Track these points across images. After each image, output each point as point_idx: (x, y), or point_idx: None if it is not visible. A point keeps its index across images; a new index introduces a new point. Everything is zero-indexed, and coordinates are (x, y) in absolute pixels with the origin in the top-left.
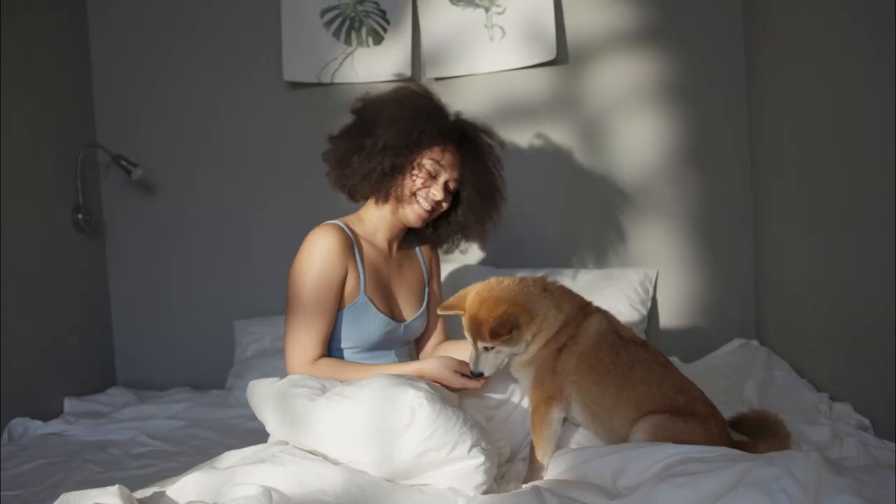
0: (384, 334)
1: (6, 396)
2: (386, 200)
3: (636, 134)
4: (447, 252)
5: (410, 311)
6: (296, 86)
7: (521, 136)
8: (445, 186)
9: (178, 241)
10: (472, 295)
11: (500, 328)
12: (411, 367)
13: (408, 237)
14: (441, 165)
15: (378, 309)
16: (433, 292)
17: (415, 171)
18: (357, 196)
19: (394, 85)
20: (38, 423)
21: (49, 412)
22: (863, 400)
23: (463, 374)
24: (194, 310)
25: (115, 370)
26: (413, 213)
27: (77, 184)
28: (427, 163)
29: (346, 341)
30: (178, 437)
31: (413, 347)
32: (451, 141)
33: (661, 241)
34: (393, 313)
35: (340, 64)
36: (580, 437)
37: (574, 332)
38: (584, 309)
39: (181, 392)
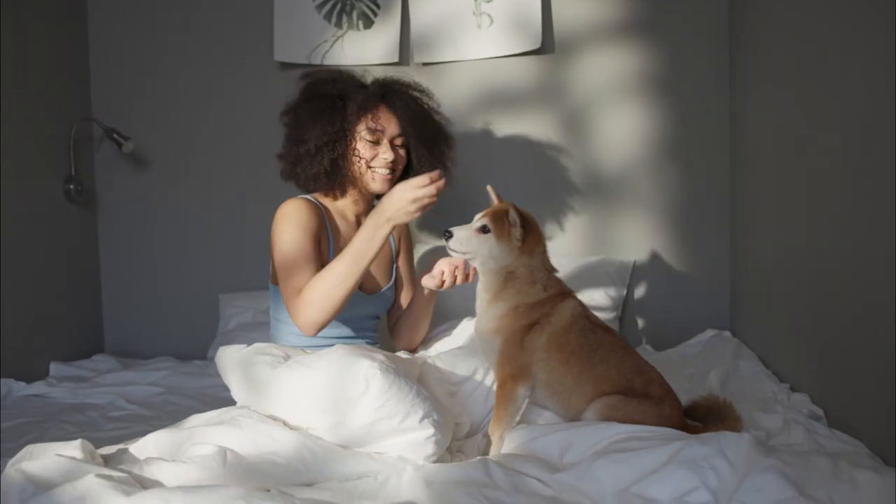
0: (352, 304)
1: None
2: (343, 193)
3: (618, 125)
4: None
5: (379, 285)
6: (286, 66)
7: (504, 124)
8: (392, 146)
9: (168, 214)
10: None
11: (511, 212)
12: (370, 221)
13: None
14: (378, 129)
15: None
16: (400, 267)
17: (357, 148)
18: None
19: (302, 81)
20: (22, 384)
21: (36, 376)
22: (821, 392)
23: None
24: (181, 281)
25: (102, 338)
26: (375, 182)
27: (70, 155)
28: (363, 133)
29: None
30: (155, 402)
31: (374, 325)
32: (376, 103)
33: (639, 231)
34: (362, 284)
35: (331, 46)
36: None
37: (548, 312)
38: (563, 293)
39: (164, 361)
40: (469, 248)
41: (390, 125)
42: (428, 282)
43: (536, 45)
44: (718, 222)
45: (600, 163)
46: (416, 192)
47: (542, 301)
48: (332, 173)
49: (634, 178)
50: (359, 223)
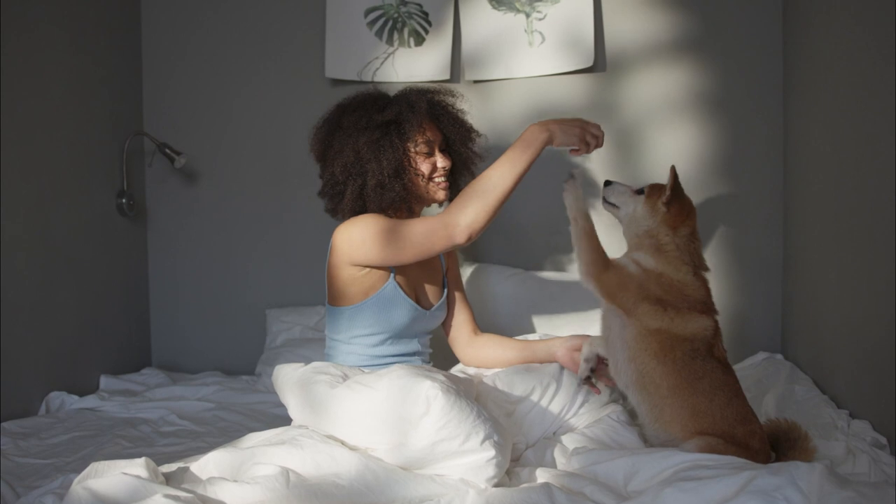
0: (412, 320)
1: (46, 371)
2: (411, 212)
3: (670, 143)
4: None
5: (434, 299)
6: (337, 83)
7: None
8: (440, 151)
9: (217, 229)
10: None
11: (671, 185)
12: (526, 132)
13: None
14: (430, 140)
15: (406, 294)
16: (450, 282)
17: (417, 167)
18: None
19: (332, 112)
20: (75, 397)
21: (86, 388)
22: (882, 418)
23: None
24: (229, 297)
25: (150, 351)
26: (437, 191)
27: (122, 169)
28: (421, 147)
29: (375, 327)
30: (205, 418)
31: (427, 340)
32: (427, 118)
33: None
34: (419, 300)
35: (382, 63)
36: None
37: (680, 307)
38: (706, 307)
39: (211, 376)
40: (619, 201)
41: (437, 134)
42: (567, 362)
43: (589, 63)
44: (770, 242)
45: (652, 180)
46: (584, 125)
47: (684, 289)
48: (406, 196)
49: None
50: None
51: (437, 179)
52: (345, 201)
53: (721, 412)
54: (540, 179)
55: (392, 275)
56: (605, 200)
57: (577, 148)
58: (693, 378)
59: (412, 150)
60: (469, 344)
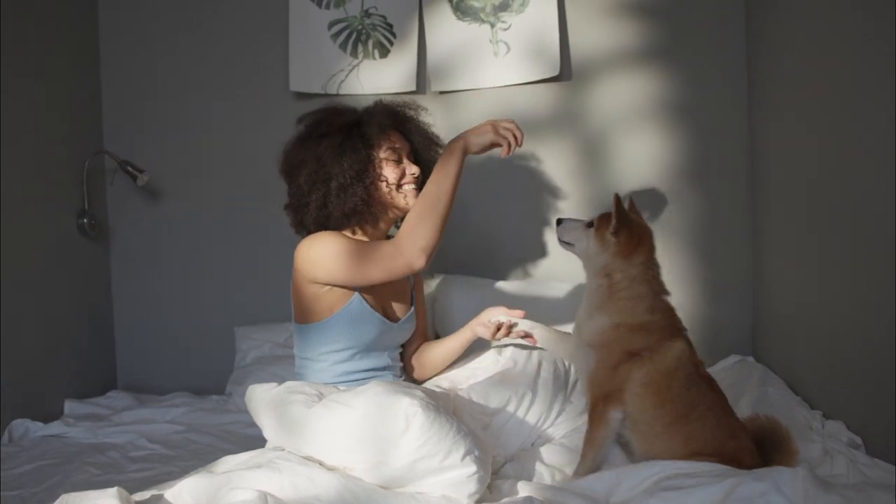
0: (380, 333)
1: (8, 398)
2: (377, 223)
3: (636, 151)
4: None
5: (401, 312)
6: (302, 96)
7: (522, 151)
8: (409, 160)
9: (182, 247)
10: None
11: (616, 213)
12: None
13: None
14: (397, 147)
15: (372, 308)
16: (416, 296)
17: (383, 172)
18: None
19: (298, 128)
20: (39, 424)
21: (50, 414)
22: (855, 419)
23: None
24: (196, 315)
25: (116, 374)
26: (407, 199)
27: (83, 188)
28: (387, 154)
29: (342, 343)
30: (176, 441)
31: (398, 354)
32: (389, 124)
33: (659, 257)
34: (386, 314)
35: (347, 76)
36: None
37: (653, 346)
38: (674, 329)
39: (180, 397)
40: (571, 238)
41: (404, 143)
42: (482, 331)
43: (554, 73)
44: (739, 246)
45: (619, 188)
46: (495, 123)
47: (646, 327)
48: (368, 202)
49: (654, 204)
50: None
51: (405, 187)
52: (309, 211)
53: (711, 432)
54: (504, 188)
55: (357, 290)
56: (560, 240)
57: (500, 146)
58: (687, 408)
59: (377, 155)
60: (417, 355)
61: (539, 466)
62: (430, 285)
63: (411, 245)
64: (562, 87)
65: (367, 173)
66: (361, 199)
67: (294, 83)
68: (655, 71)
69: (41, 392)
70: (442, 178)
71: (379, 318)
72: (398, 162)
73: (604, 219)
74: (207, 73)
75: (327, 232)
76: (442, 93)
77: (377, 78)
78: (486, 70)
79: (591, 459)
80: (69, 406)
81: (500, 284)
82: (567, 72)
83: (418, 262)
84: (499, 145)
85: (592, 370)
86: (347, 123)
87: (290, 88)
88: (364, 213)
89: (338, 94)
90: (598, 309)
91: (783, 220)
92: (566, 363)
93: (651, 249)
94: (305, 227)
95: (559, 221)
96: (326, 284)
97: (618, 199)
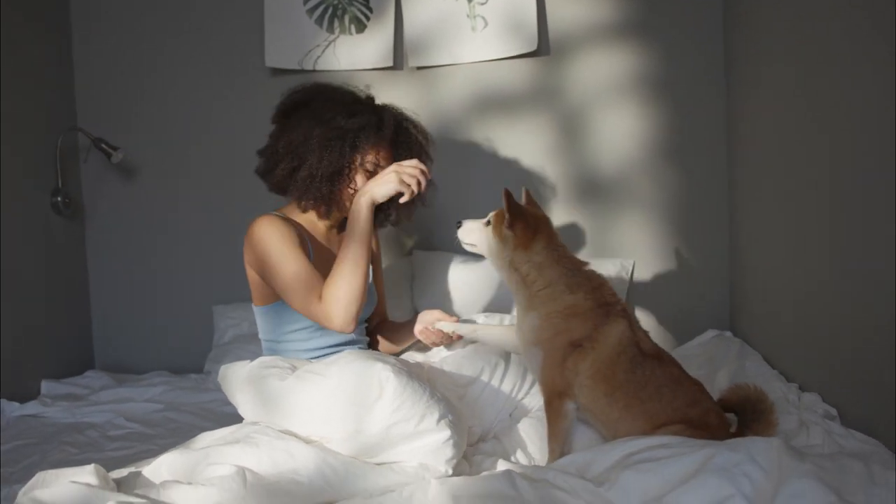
0: None
1: None
2: (327, 216)
3: (615, 126)
4: (381, 225)
5: None
6: (278, 72)
7: (500, 127)
8: None
9: (158, 225)
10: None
11: (518, 217)
12: (353, 207)
13: (344, 221)
14: (377, 161)
15: None
16: (374, 272)
17: (355, 178)
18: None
19: (311, 85)
20: (16, 404)
21: (27, 394)
22: (831, 391)
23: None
24: (173, 294)
25: (93, 353)
26: None
27: (56, 166)
28: (366, 165)
29: (301, 322)
30: (155, 419)
31: (363, 328)
32: (386, 142)
33: (637, 232)
34: None
35: (323, 51)
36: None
37: (593, 335)
38: (608, 309)
39: (159, 376)
40: (472, 239)
41: (388, 161)
42: (423, 337)
43: (532, 48)
44: (717, 222)
45: (597, 164)
46: (398, 169)
47: (576, 310)
48: (329, 200)
49: (632, 180)
50: (328, 235)
51: None
52: (275, 173)
53: (671, 405)
54: (481, 163)
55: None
56: (463, 242)
57: (402, 193)
58: (638, 389)
59: (356, 162)
60: (379, 331)
61: (519, 443)
62: (411, 261)
63: (343, 314)
64: (540, 62)
65: (339, 176)
66: (322, 195)
67: (270, 59)
68: (633, 46)
69: (18, 373)
70: (357, 245)
71: None
72: (371, 174)
73: (497, 216)
74: (182, 49)
75: (271, 227)
76: (419, 68)
77: (354, 53)
78: (464, 45)
79: (558, 451)
80: (46, 386)
81: (483, 260)
82: (545, 47)
83: (348, 328)
84: (401, 193)
85: (541, 367)
86: (350, 128)
87: (265, 64)
88: (318, 206)
89: (314, 70)
90: (526, 307)
91: (760, 195)
92: None
93: (550, 235)
94: (266, 181)
95: (459, 224)
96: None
97: (507, 193)
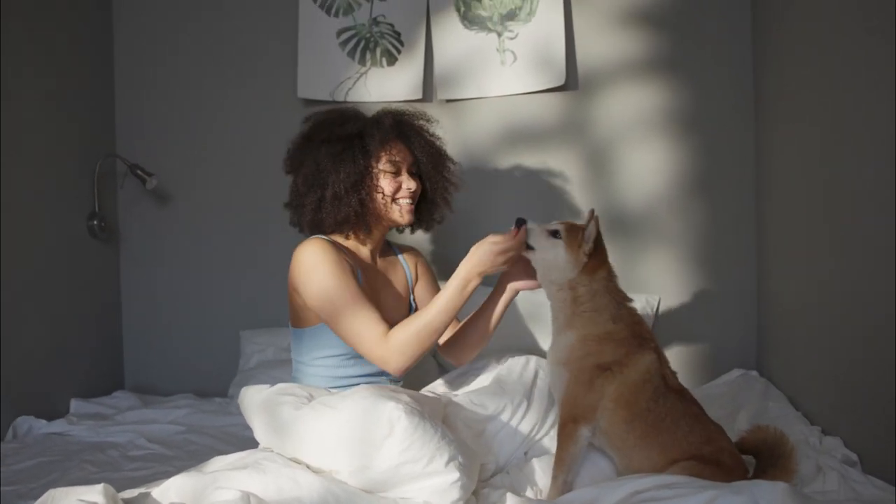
0: None
1: (15, 395)
2: (370, 231)
3: (642, 161)
4: (427, 229)
5: (398, 314)
6: (310, 103)
7: (528, 161)
8: (409, 173)
9: (190, 250)
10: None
11: (590, 226)
12: (456, 279)
13: (388, 246)
14: (397, 160)
15: None
16: (417, 298)
17: (379, 184)
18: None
19: (303, 126)
20: (43, 421)
21: (56, 413)
22: (854, 436)
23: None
24: (202, 318)
25: (123, 374)
26: (401, 213)
27: (94, 191)
28: (385, 166)
29: (335, 349)
30: (175, 441)
31: None
32: (393, 136)
33: (663, 268)
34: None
35: (354, 83)
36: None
37: (623, 360)
38: (641, 340)
39: (184, 398)
40: (536, 243)
41: (406, 156)
42: (524, 285)
43: (560, 82)
44: (744, 260)
45: (624, 199)
46: (500, 246)
47: (612, 337)
48: (363, 213)
49: (659, 215)
50: (373, 258)
51: (401, 201)
52: (304, 213)
53: (686, 439)
54: (509, 197)
55: None
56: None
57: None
58: (657, 420)
59: (375, 166)
60: (449, 347)
61: (529, 479)
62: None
63: (396, 360)
64: (568, 97)
65: (362, 185)
66: (355, 209)
67: (302, 90)
68: (662, 81)
69: (48, 391)
70: (448, 315)
71: None
72: (396, 174)
73: (571, 233)
74: (217, 80)
75: (318, 251)
76: (448, 101)
77: (385, 86)
78: (493, 79)
79: (561, 480)
80: (75, 405)
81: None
82: (573, 81)
83: (396, 373)
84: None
85: (566, 388)
86: (349, 134)
87: (298, 95)
88: (357, 223)
89: (345, 102)
90: (564, 326)
91: (788, 233)
92: None
93: (610, 266)
94: (300, 227)
95: (522, 220)
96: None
97: (597, 219)
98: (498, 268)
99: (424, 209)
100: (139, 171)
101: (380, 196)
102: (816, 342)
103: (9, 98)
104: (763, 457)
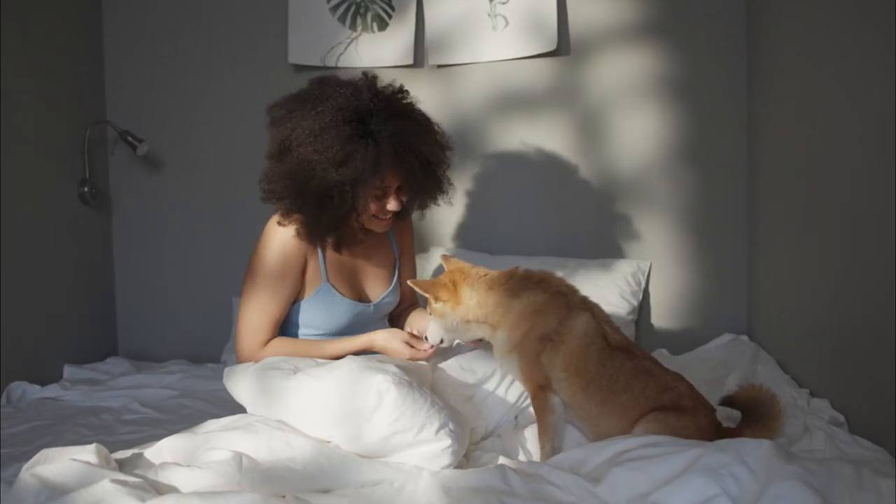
0: (352, 317)
1: (8, 361)
2: (339, 250)
3: (634, 127)
4: (407, 216)
5: (379, 291)
6: (300, 69)
7: (519, 126)
8: (396, 191)
9: (181, 216)
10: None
11: (438, 287)
12: (361, 340)
13: None
14: (388, 186)
15: (342, 294)
16: (403, 266)
17: (361, 209)
18: None
19: (292, 117)
20: (37, 387)
21: (49, 378)
22: (840, 397)
23: (412, 346)
24: (194, 284)
25: (116, 341)
26: (378, 226)
27: (84, 158)
28: (375, 192)
29: (318, 328)
30: (169, 405)
31: (384, 325)
32: (387, 165)
33: (655, 234)
34: (360, 296)
35: (345, 48)
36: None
37: (559, 329)
38: (566, 300)
39: (177, 364)
40: (438, 335)
41: (396, 179)
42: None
43: (552, 47)
44: (735, 225)
45: (616, 165)
46: (413, 352)
47: (534, 308)
48: (335, 238)
49: (651, 181)
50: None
51: (381, 218)
52: (277, 204)
53: (643, 395)
54: (500, 164)
55: (324, 276)
56: (441, 346)
57: None
58: (610, 383)
59: (361, 195)
60: (408, 319)
61: (521, 442)
62: (430, 257)
63: (251, 352)
64: (560, 62)
65: (344, 221)
66: (328, 226)
67: (293, 55)
68: (655, 46)
69: (42, 357)
70: (335, 357)
71: (350, 304)
72: (382, 198)
73: (436, 292)
74: (208, 46)
75: (281, 238)
76: (440, 66)
77: (375, 51)
78: (485, 44)
79: (549, 447)
80: (68, 371)
81: (501, 258)
82: (565, 46)
83: (239, 362)
84: None
85: (520, 369)
86: (343, 180)
87: (288, 60)
88: (321, 236)
89: (336, 67)
90: (492, 331)
91: (780, 200)
92: None
93: (465, 275)
94: (267, 200)
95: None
96: None
97: (414, 282)
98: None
99: (403, 209)
100: (130, 138)
101: (355, 217)
102: (805, 306)
103: None
104: (750, 414)
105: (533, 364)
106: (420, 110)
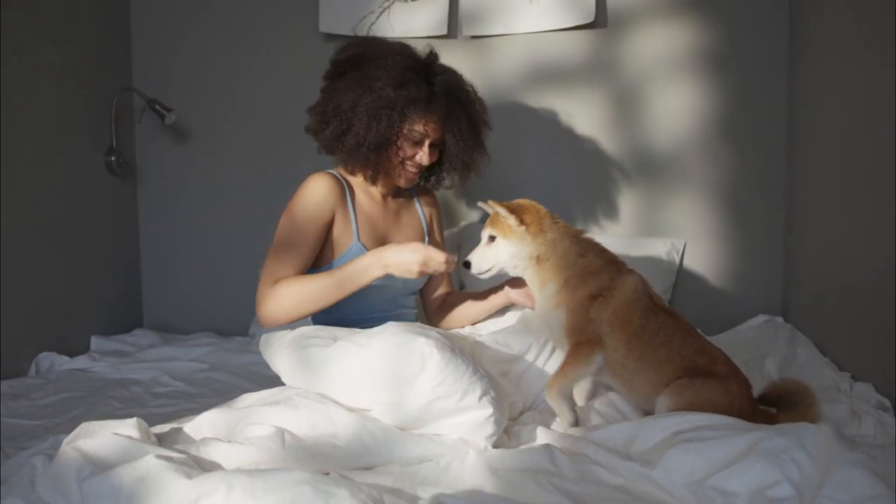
0: (384, 282)
1: (37, 331)
2: (374, 182)
3: (671, 102)
4: (446, 187)
5: None
6: (331, 37)
7: (554, 100)
8: (431, 146)
9: (209, 186)
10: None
11: (507, 210)
12: (367, 256)
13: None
14: (426, 132)
15: None
16: (434, 243)
17: (400, 147)
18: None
19: (363, 46)
20: (65, 358)
21: (76, 349)
22: (885, 381)
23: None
24: (222, 256)
25: (142, 312)
26: (403, 178)
27: (111, 126)
28: (413, 134)
29: None
30: (199, 379)
31: (411, 298)
32: (436, 112)
33: (690, 212)
34: None
35: (377, 18)
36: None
37: (609, 285)
38: (618, 265)
39: (205, 336)
40: (492, 262)
41: (437, 132)
42: (518, 299)
43: (589, 19)
44: (773, 204)
45: (652, 141)
46: (427, 259)
47: (589, 270)
48: (374, 167)
49: (687, 157)
50: (384, 199)
51: (408, 166)
52: (323, 135)
53: (679, 353)
54: (534, 137)
55: (355, 235)
56: (481, 274)
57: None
58: (651, 337)
59: (404, 130)
60: (440, 308)
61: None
62: (457, 236)
63: (271, 307)
64: (596, 35)
65: (386, 145)
66: (369, 162)
67: (324, 24)
68: (693, 20)
69: (68, 328)
70: (341, 289)
71: None
72: (419, 143)
73: (495, 224)
74: (237, 14)
75: (311, 189)
76: (474, 37)
77: (408, 21)
78: (520, 15)
79: (557, 387)
80: (95, 342)
81: None
82: (602, 19)
83: (262, 320)
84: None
85: (566, 324)
86: (399, 100)
87: (319, 29)
88: (365, 171)
89: (368, 37)
90: (541, 281)
91: (819, 177)
92: None
93: (547, 214)
94: (318, 141)
95: (466, 264)
96: None
97: (492, 201)
98: (408, 274)
99: (432, 174)
100: (157, 106)
101: (396, 158)
102: (845, 288)
103: (23, 31)
104: (782, 404)
105: (582, 320)
106: (472, 85)
